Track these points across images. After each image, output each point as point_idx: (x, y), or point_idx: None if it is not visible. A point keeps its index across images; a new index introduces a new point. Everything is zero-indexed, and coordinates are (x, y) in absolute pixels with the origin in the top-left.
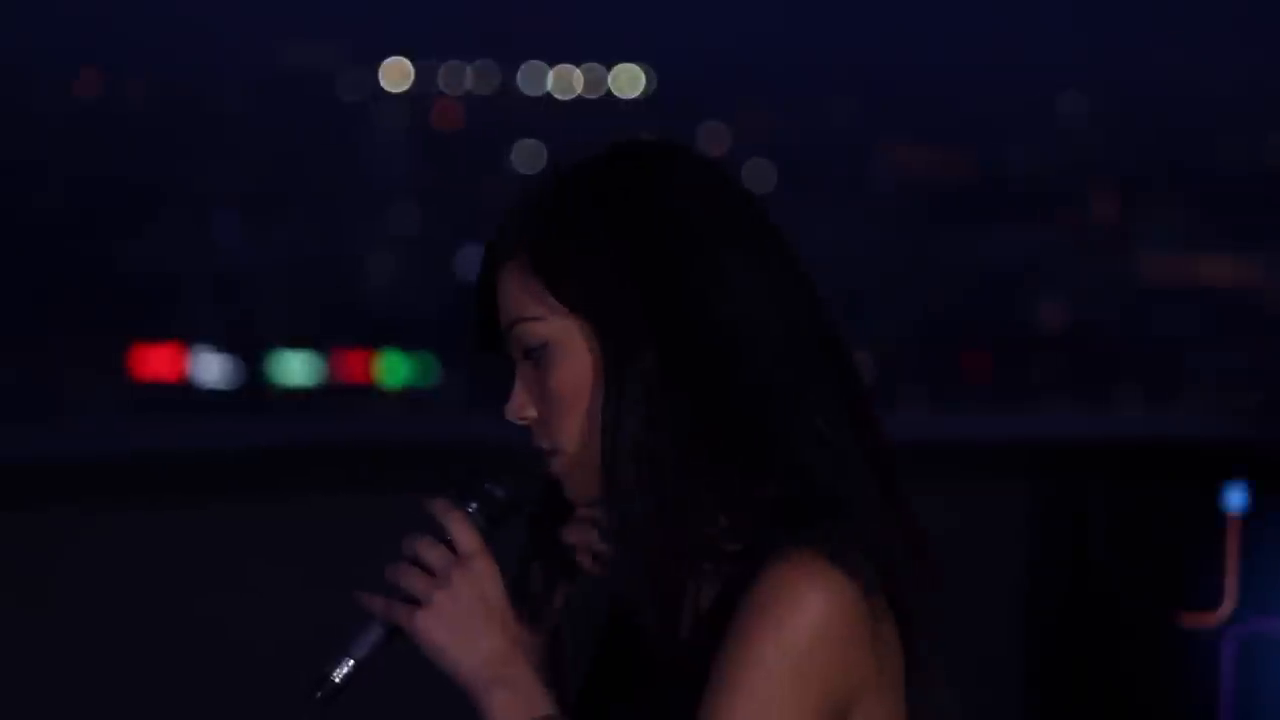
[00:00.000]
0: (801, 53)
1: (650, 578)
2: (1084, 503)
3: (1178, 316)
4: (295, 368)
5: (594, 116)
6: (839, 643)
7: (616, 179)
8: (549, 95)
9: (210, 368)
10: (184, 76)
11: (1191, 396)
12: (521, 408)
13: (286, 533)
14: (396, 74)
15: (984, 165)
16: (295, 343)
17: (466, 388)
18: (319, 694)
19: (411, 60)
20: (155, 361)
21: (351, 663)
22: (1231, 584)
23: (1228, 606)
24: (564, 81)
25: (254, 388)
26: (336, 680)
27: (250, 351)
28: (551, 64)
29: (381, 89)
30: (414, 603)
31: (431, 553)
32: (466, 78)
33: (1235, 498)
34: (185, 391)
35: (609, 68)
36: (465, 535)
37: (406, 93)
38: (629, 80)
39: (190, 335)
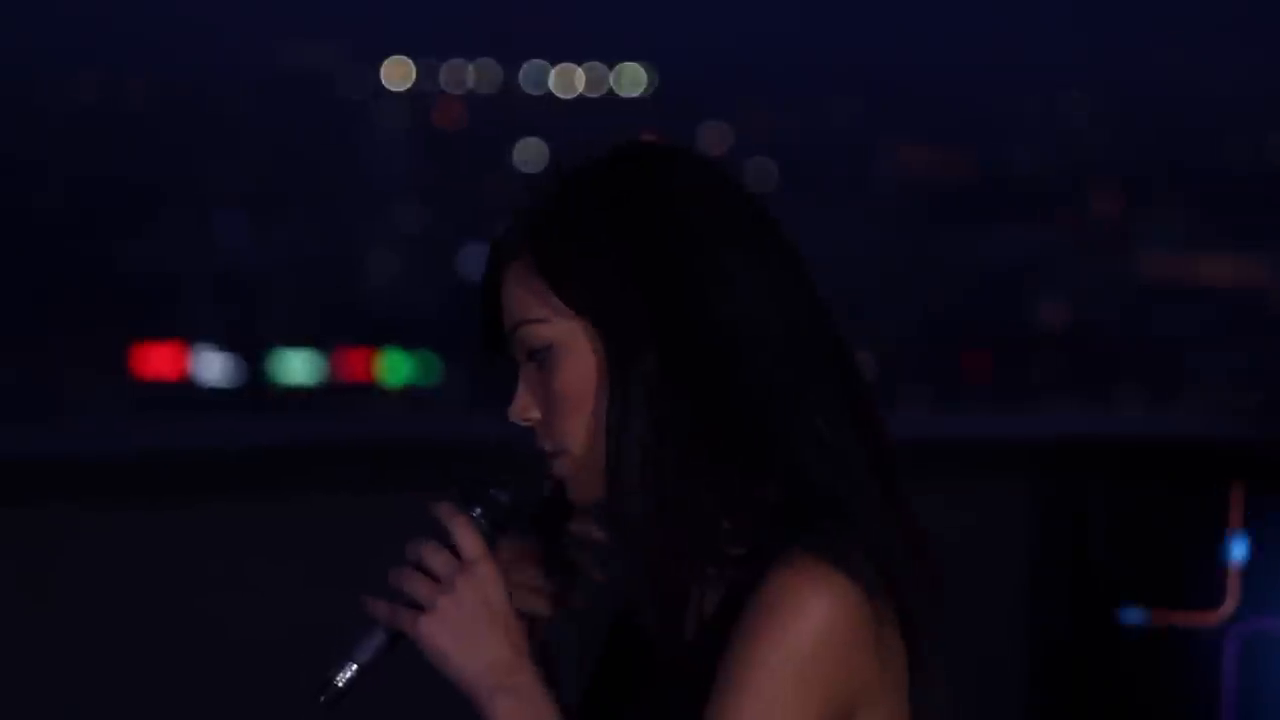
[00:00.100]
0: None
1: (653, 579)
2: (1084, 502)
3: (1178, 316)
4: (297, 367)
5: (596, 115)
6: (842, 647)
7: (618, 181)
8: (551, 94)
9: (212, 366)
10: (184, 76)
11: (1192, 396)
12: (525, 409)
13: (287, 532)
14: (398, 73)
15: (985, 165)
16: (297, 341)
17: (468, 387)
18: (322, 698)
19: (413, 59)
20: (157, 360)
21: (354, 667)
22: (1233, 583)
23: (1229, 606)
24: (566, 80)
25: (255, 387)
26: (339, 684)
27: (252, 350)
28: (553, 63)
29: (383, 88)
30: (418, 608)
31: (435, 558)
32: (468, 76)
33: (1238, 549)
34: (187, 390)
35: (611, 67)
36: (469, 540)
37: (408, 91)
38: (631, 79)
39: (191, 334)
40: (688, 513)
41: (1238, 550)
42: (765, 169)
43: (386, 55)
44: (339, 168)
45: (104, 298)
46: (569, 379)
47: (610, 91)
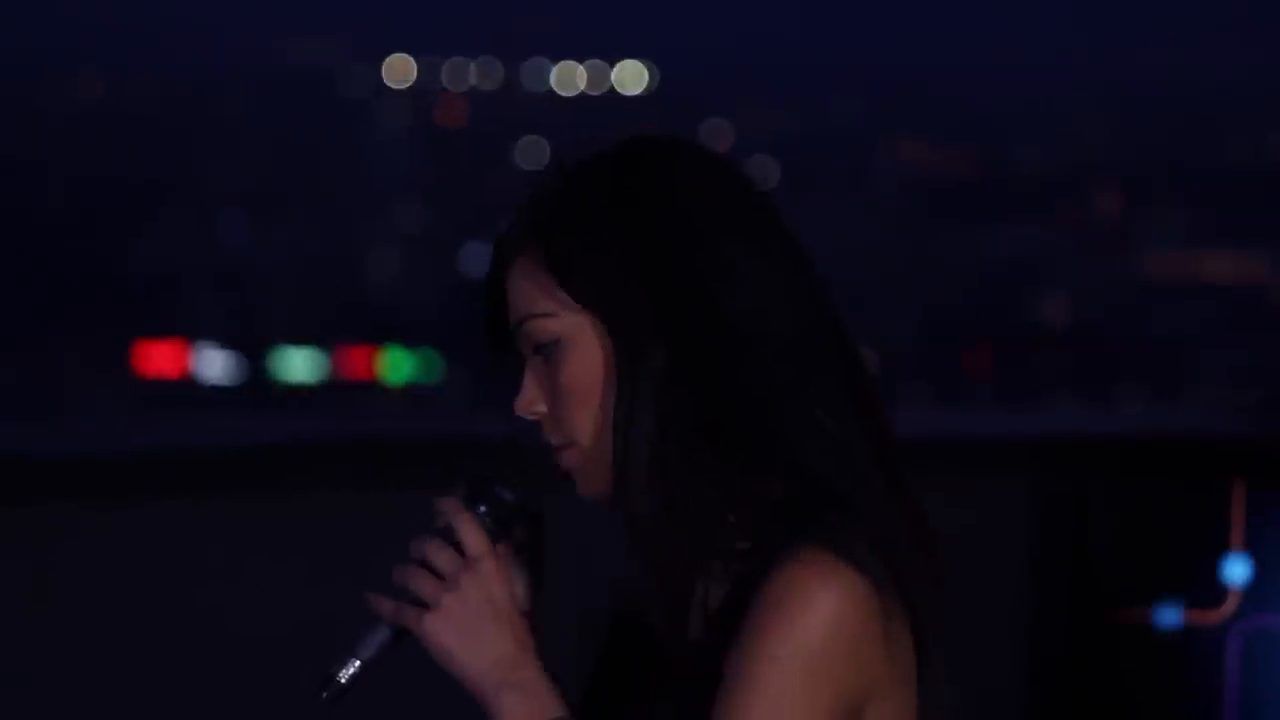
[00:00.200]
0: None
1: (659, 576)
2: (1085, 499)
3: (1180, 314)
4: (298, 364)
5: (597, 113)
6: (851, 641)
7: (621, 175)
8: (552, 91)
9: (213, 364)
10: (185, 75)
11: (1194, 394)
12: (531, 403)
13: (289, 529)
14: (399, 71)
15: (986, 163)
16: (298, 339)
17: (470, 384)
18: (325, 694)
19: (414, 57)
20: (159, 358)
21: (358, 664)
22: (1235, 581)
23: (1231, 604)
24: (567, 78)
25: (257, 384)
26: (342, 681)
27: (253, 348)
28: (555, 60)
29: (384, 86)
30: (422, 605)
31: (440, 555)
32: (470, 74)
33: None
34: (188, 388)
35: (612, 64)
36: (474, 538)
37: (409, 89)
38: (632, 77)
39: (193, 332)
40: (692, 509)
41: (1239, 548)
42: (766, 167)
43: (388, 53)
44: (340, 166)
45: (105, 296)
46: (576, 372)
47: (611, 89)
